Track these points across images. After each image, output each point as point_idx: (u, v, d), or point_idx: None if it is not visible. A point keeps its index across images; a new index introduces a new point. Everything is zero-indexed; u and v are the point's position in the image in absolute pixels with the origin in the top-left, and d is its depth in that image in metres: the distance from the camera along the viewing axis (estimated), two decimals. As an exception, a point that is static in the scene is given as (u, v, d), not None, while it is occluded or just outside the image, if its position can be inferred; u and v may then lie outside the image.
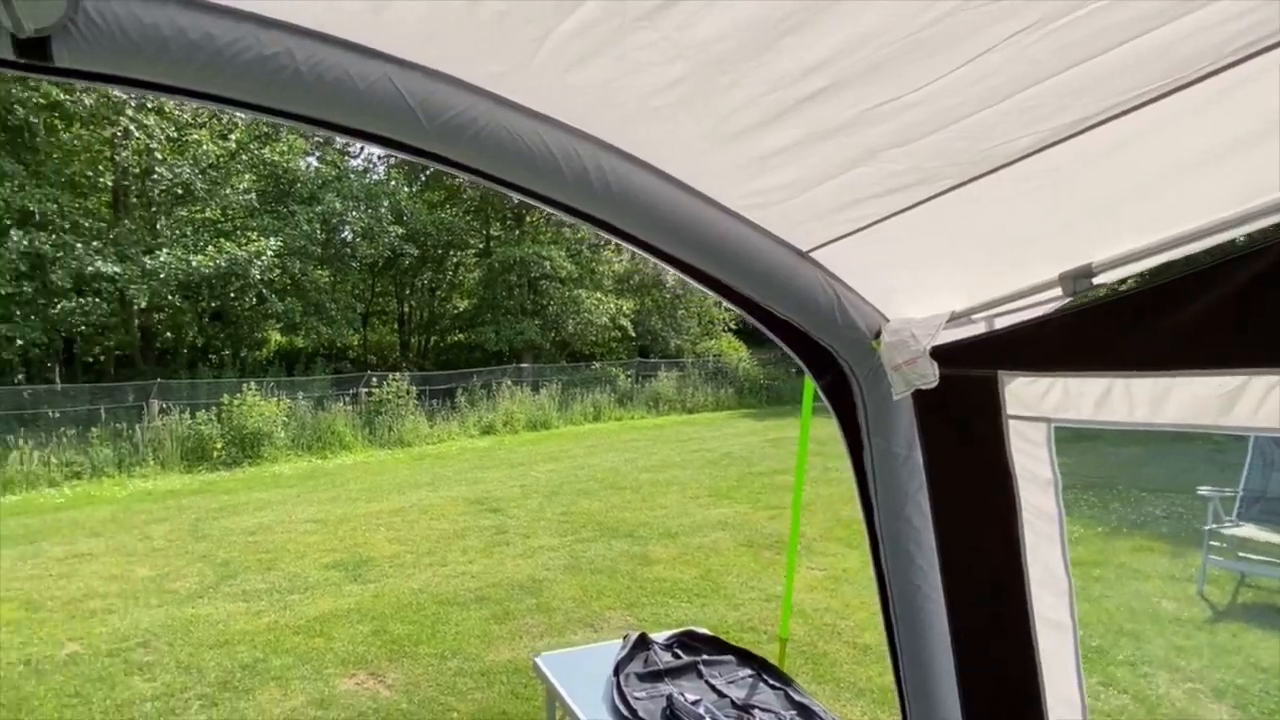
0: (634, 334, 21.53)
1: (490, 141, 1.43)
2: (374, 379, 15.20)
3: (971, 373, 1.57)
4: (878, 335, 1.71)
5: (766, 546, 7.16)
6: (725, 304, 1.82)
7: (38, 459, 10.70)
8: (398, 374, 15.29)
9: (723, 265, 1.70)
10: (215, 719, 4.04)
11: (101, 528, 8.11)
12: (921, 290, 1.71)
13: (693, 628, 2.75)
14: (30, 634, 5.18)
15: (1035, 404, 1.58)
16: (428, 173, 21.39)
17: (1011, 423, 1.57)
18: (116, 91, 13.30)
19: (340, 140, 20.98)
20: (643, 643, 2.58)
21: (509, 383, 17.06)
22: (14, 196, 12.24)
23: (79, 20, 1.12)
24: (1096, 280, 1.31)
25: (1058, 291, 1.38)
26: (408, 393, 14.91)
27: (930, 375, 1.52)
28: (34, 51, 1.14)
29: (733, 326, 26.38)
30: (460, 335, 22.55)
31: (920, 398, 1.69)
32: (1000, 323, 1.58)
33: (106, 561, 6.86)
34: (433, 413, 15.37)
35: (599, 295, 20.33)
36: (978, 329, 1.62)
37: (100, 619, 5.47)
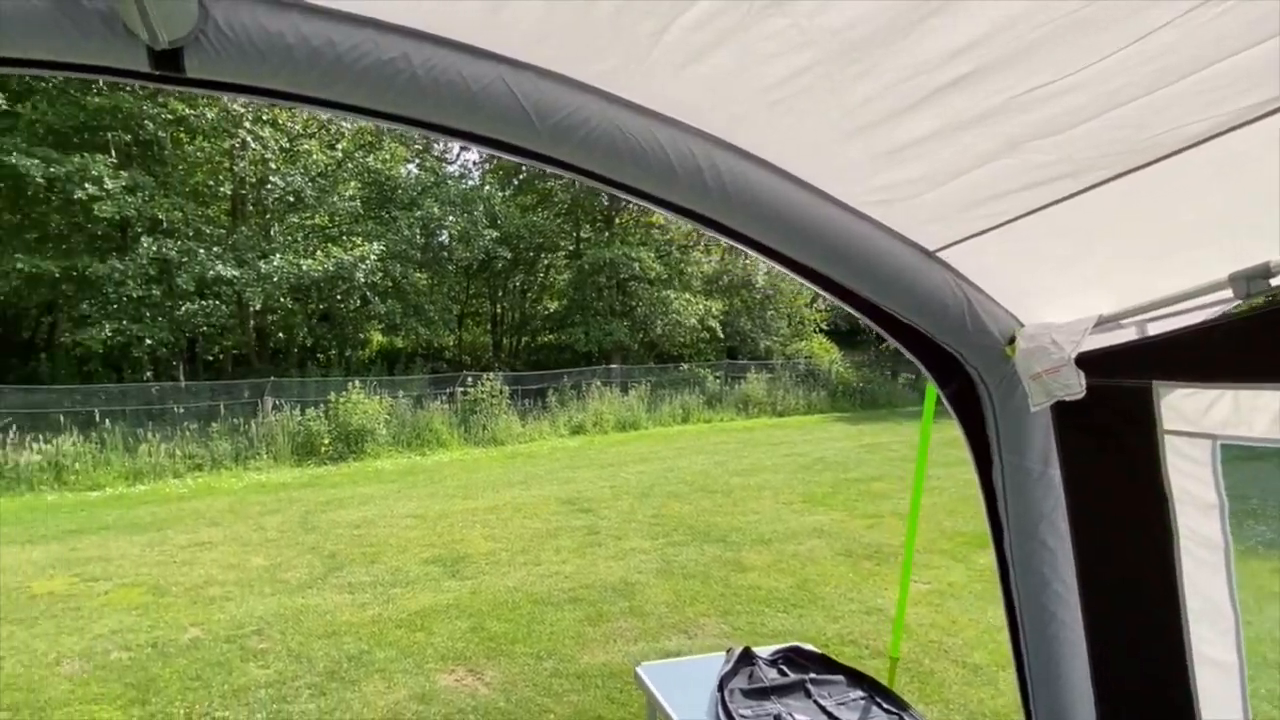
0: (722, 335, 21.35)
1: (602, 140, 1.39)
2: (468, 379, 15.60)
3: (1123, 383, 1.43)
4: (1011, 341, 1.58)
5: (865, 556, 6.93)
6: (845, 308, 1.73)
7: (164, 451, 11.46)
8: (491, 374, 15.66)
9: (842, 266, 1.61)
10: (324, 708, 4.19)
11: (220, 518, 8.60)
12: (1061, 292, 1.57)
13: (799, 644, 2.65)
14: (157, 618, 5.52)
15: (1198, 419, 1.42)
16: (520, 176, 21.86)
17: (1169, 439, 1.42)
18: (241, 101, 14.14)
19: (438, 147, 21.72)
20: (747, 657, 2.50)
21: (598, 383, 17.20)
22: (145, 206, 13.16)
23: (209, 30, 1.15)
24: (1275, 281, 1.15)
25: (1227, 293, 1.22)
26: (500, 392, 15.24)
27: (1076, 385, 1.38)
28: (168, 63, 1.17)
29: (824, 328, 25.83)
30: (550, 336, 22.92)
31: (1059, 410, 1.55)
32: (1155, 328, 1.43)
33: (224, 550, 7.26)
34: (524, 412, 15.67)
35: (688, 296, 20.27)
36: (1128, 335, 1.48)
37: (219, 606, 5.78)
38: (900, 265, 1.57)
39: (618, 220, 21.63)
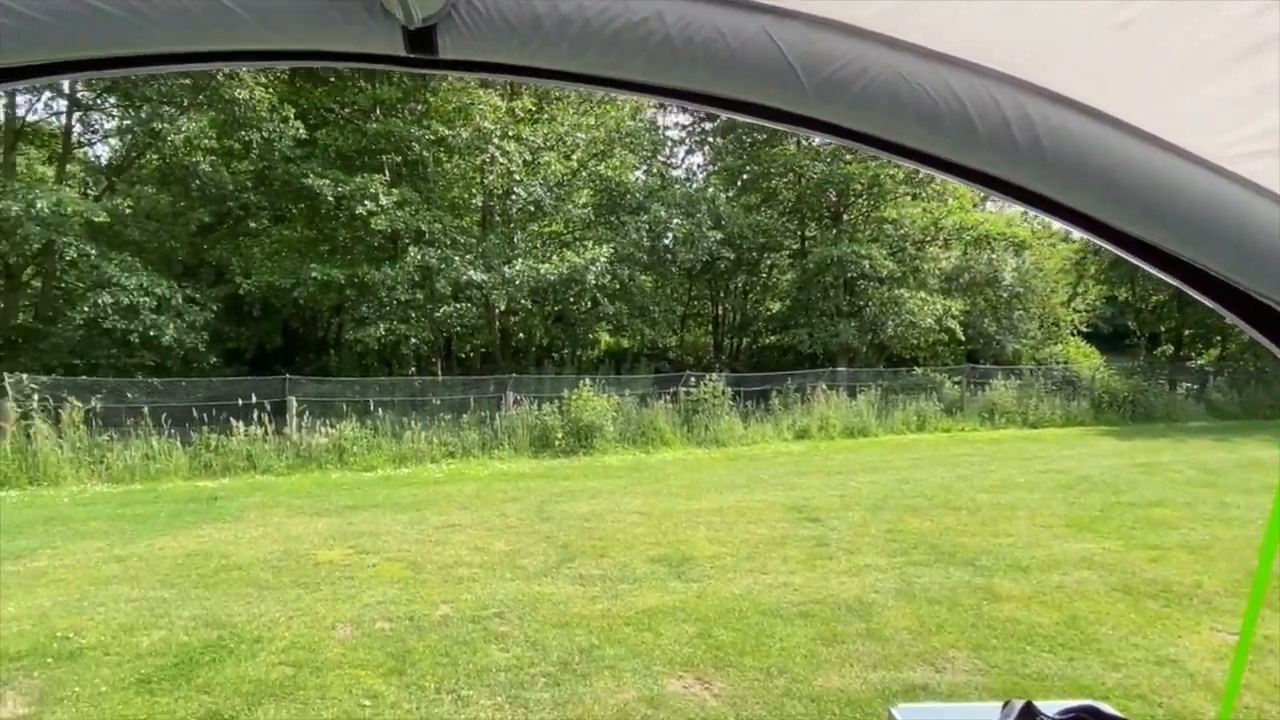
0: (963, 338, 19.75)
1: (882, 94, 1.14)
2: (691, 379, 15.74)
3: None
4: None
5: (1149, 595, 5.93)
6: (1191, 293, 1.34)
7: (424, 439, 12.71)
8: (713, 375, 15.67)
9: (1196, 238, 1.23)
10: (557, 699, 4.29)
11: (468, 502, 9.32)
12: None
13: (1093, 702, 2.21)
14: (414, 593, 6.03)
15: None
16: (744, 176, 21.72)
17: None
18: (486, 83, 15.35)
19: (664, 153, 22.21)
20: (1029, 713, 2.12)
21: (823, 386, 16.60)
22: (411, 219, 14.72)
23: (460, 6, 1.08)
24: None
25: None
26: (723, 393, 15.20)
27: None
28: (422, 45, 1.12)
29: (1081, 330, 23.03)
30: (773, 337, 22.56)
31: None
32: None
33: (472, 533, 7.82)
34: (746, 414, 15.49)
35: (923, 295, 18.96)
36: None
37: (466, 586, 6.20)
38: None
39: (846, 216, 20.77)
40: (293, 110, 14.29)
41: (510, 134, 16.09)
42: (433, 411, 13.85)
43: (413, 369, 16.14)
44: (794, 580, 6.30)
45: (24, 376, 10.65)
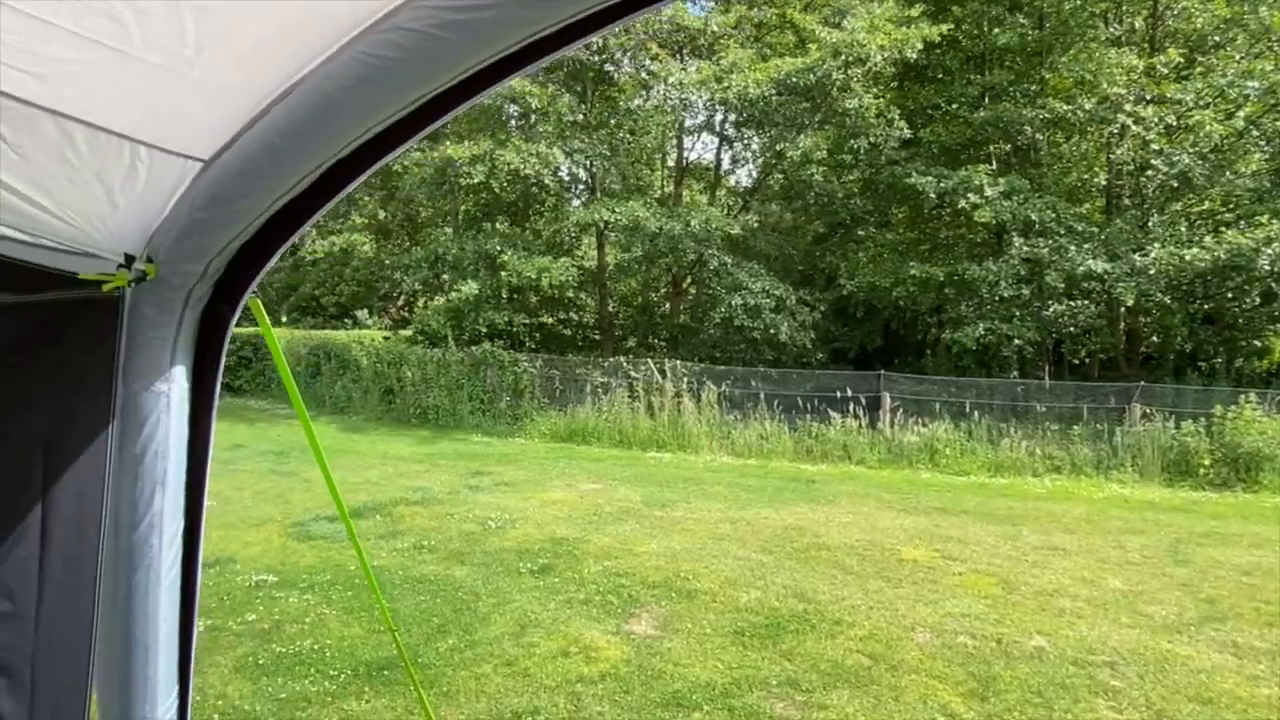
0: None
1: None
2: None
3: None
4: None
5: None
6: None
7: (1024, 448, 11.55)
8: None
9: None
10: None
11: (1075, 525, 8.07)
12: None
13: None
14: (1003, 614, 5.40)
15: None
16: None
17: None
18: (1117, 41, 13.17)
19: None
20: None
21: None
22: (1019, 209, 13.56)
23: None
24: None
25: None
26: None
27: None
28: None
29: None
30: None
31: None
32: None
33: (1078, 561, 6.71)
34: None
35: None
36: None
37: (1068, 621, 5.30)
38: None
39: None
40: (897, 111, 14.56)
41: (1148, 97, 13.51)
42: (1036, 420, 12.49)
43: (1014, 372, 14.87)
44: None
45: (678, 363, 13.24)
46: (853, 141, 14.57)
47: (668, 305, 18.44)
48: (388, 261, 19.07)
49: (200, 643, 4.61)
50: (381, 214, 21.10)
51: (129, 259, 1.78)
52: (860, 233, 18.35)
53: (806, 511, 8.23)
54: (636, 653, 4.58)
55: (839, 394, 12.46)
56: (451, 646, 4.60)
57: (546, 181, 15.63)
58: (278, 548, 6.56)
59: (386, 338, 19.75)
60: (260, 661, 4.35)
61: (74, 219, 1.70)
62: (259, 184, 1.67)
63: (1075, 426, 12.03)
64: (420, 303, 21.19)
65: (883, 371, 12.85)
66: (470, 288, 14.18)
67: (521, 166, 13.47)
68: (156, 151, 1.65)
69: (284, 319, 26.17)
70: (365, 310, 27.81)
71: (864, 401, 12.30)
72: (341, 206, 19.96)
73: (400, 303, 26.26)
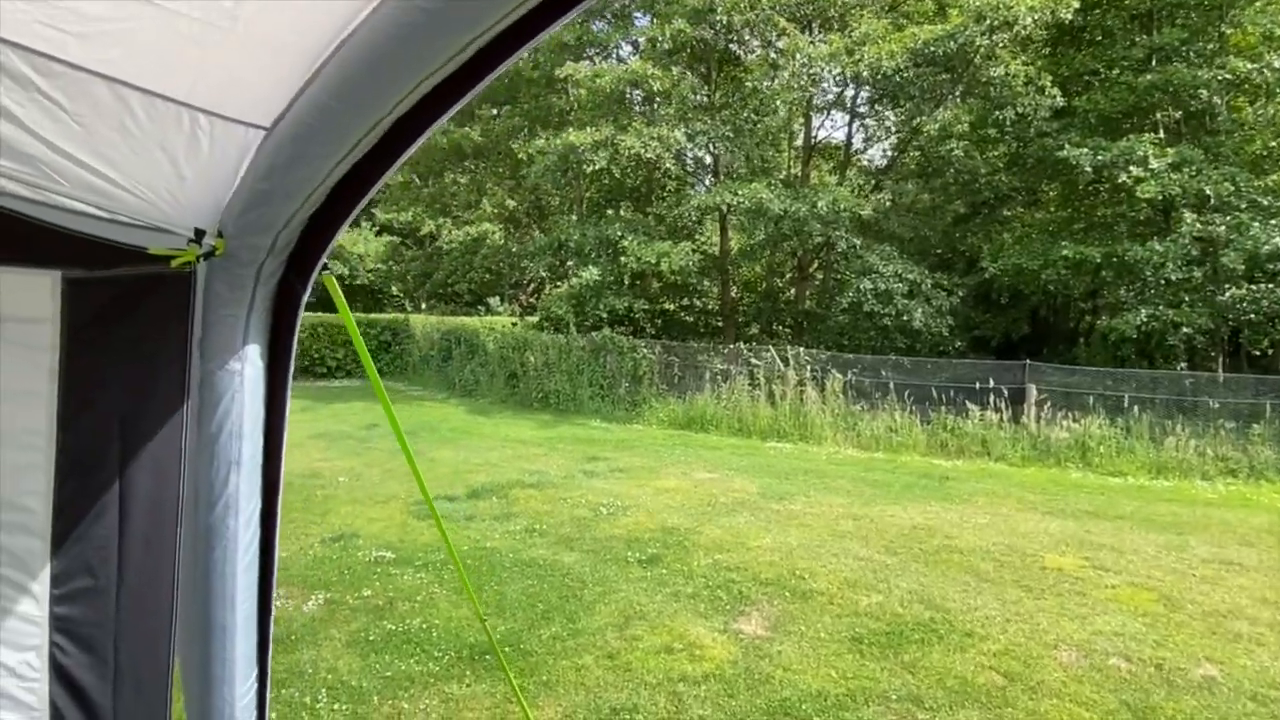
0: None
1: None
2: None
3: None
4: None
5: None
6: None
7: (1192, 448, 10.36)
8: None
9: None
10: None
11: (1255, 538, 7.10)
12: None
13: None
14: (1164, 635, 4.77)
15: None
16: None
17: None
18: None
19: None
20: None
21: None
22: (1190, 182, 12.11)
23: None
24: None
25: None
26: None
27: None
28: None
29: None
30: None
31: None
32: None
33: (1257, 579, 5.87)
34: None
35: None
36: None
37: (1245, 648, 4.61)
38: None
39: None
40: (1049, 78, 13.35)
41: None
42: (1208, 417, 11.16)
43: (1182, 364, 13.36)
44: None
45: (802, 350, 12.76)
46: (998, 113, 13.47)
47: (793, 291, 17.87)
48: (515, 249, 19.55)
49: (318, 615, 4.81)
50: (510, 203, 21.64)
51: (199, 234, 1.75)
52: (1005, 212, 17.05)
53: (938, 510, 7.68)
54: (744, 654, 4.35)
55: (978, 385, 11.61)
56: (554, 634, 4.55)
57: (668, 165, 15.45)
58: (399, 525, 6.78)
59: (514, 324, 20.31)
60: (371, 638, 4.46)
61: (143, 192, 1.66)
62: (316, 149, 1.57)
63: (1255, 425, 10.66)
64: (546, 289, 21.64)
65: (1028, 361, 11.86)
66: (591, 273, 14.25)
67: (643, 151, 13.35)
68: (216, 119, 1.58)
69: (422, 305, 27.48)
70: (497, 297, 28.77)
71: (1006, 393, 11.41)
72: (472, 196, 20.67)
73: (529, 289, 26.96)
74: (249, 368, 1.86)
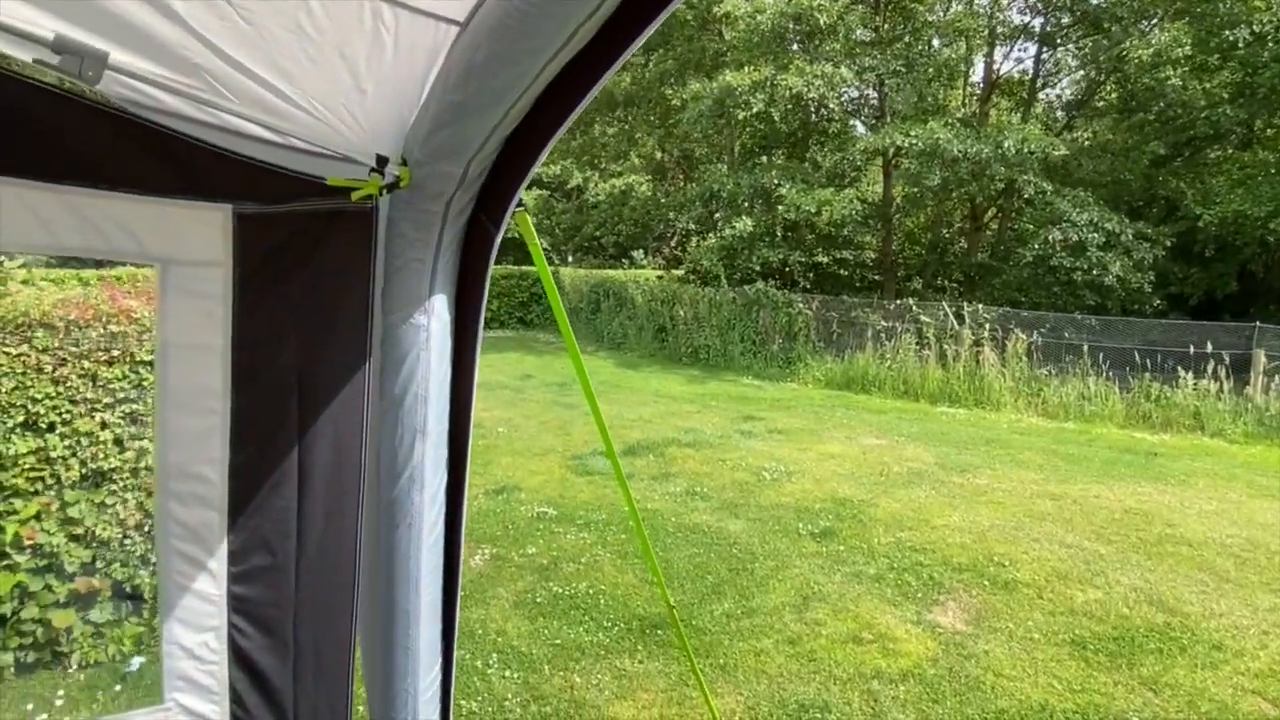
0: None
1: None
2: None
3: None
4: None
5: None
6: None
7: None
8: None
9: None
10: None
11: None
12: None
13: None
14: None
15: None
16: None
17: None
18: None
19: None
20: None
21: None
22: None
23: None
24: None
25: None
26: None
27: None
28: None
29: None
30: None
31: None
32: None
33: None
34: None
35: None
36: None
37: None
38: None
39: None
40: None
41: None
42: None
43: None
44: None
45: (979, 307, 11.64)
46: (1227, 33, 11.52)
47: (963, 242, 16.45)
48: (663, 201, 19.15)
49: (484, 571, 4.72)
50: (659, 154, 21.19)
51: (381, 161, 1.44)
52: (1214, 153, 14.75)
53: (1151, 492, 6.71)
54: (945, 651, 3.84)
55: (1192, 349, 10.15)
56: (727, 612, 4.22)
57: (831, 106, 14.42)
58: (558, 480, 6.67)
59: (660, 277, 20.03)
60: (538, 600, 4.31)
61: (320, 110, 1.37)
62: (522, 45, 1.19)
63: None
64: (693, 242, 21.17)
65: (1258, 324, 10.22)
66: (744, 224, 13.63)
67: (805, 90, 12.47)
68: (402, 11, 1.25)
69: (569, 259, 27.78)
70: (640, 250, 28.59)
71: (1226, 359, 9.91)
72: (621, 147, 20.38)
73: (674, 242, 26.58)
74: (435, 322, 1.57)
